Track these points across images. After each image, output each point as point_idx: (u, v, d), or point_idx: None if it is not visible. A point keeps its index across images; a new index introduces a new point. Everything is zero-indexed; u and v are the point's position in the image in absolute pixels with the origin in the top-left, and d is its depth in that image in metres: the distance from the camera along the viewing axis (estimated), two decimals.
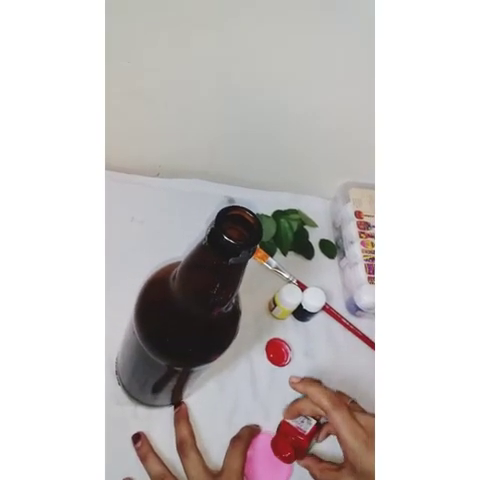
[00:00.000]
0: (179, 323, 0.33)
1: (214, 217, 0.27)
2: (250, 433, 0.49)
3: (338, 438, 0.44)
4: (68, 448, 0.24)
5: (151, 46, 0.53)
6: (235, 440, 0.48)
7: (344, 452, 0.44)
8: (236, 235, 0.26)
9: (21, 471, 0.23)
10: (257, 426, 0.51)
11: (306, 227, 0.69)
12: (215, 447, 0.49)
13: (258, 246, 0.64)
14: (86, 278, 0.26)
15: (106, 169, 0.64)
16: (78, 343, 0.25)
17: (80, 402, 0.25)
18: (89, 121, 0.26)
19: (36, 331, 0.24)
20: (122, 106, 0.60)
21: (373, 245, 0.64)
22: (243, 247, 0.26)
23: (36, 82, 0.25)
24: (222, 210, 0.27)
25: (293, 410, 0.49)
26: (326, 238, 0.70)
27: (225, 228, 0.26)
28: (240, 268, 0.29)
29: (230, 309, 0.34)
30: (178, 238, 0.51)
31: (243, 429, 0.50)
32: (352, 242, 0.64)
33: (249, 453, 0.49)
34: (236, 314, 0.36)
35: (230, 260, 0.27)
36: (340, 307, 0.64)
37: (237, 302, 0.36)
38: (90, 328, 0.26)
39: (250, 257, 0.27)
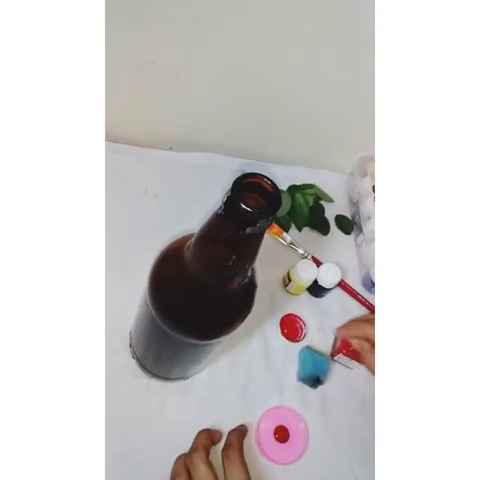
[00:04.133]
0: (194, 295, 0.32)
1: (231, 185, 0.26)
2: (239, 436, 0.47)
3: None
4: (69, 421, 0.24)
5: (166, 19, 0.52)
6: (227, 452, 0.44)
7: None
8: (254, 203, 0.25)
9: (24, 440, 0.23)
10: (243, 426, 0.49)
11: (322, 202, 0.68)
12: (227, 422, 0.49)
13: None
14: (86, 250, 0.25)
15: (119, 142, 0.64)
16: (78, 316, 0.25)
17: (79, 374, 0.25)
18: (89, 93, 0.25)
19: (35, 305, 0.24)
20: (136, 79, 0.59)
21: None
22: (261, 215, 0.25)
23: (36, 55, 0.24)
24: (239, 177, 0.26)
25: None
26: (342, 213, 0.68)
27: (242, 196, 0.25)
28: (258, 238, 0.28)
29: (246, 281, 0.33)
30: (191, 211, 0.51)
31: (230, 435, 0.47)
32: (369, 218, 0.62)
33: (262, 427, 0.50)
34: (252, 287, 0.35)
35: (247, 230, 0.26)
36: (356, 283, 0.63)
37: (253, 275, 0.35)
38: (90, 299, 0.25)
39: (269, 226, 0.26)
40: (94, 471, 0.25)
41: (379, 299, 0.28)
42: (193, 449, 0.44)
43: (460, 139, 0.27)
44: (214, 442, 0.47)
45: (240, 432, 0.48)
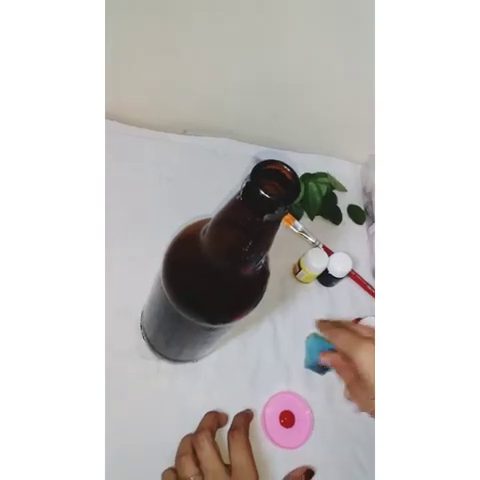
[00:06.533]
0: (208, 279, 0.33)
1: (250, 171, 0.26)
2: (245, 419, 0.48)
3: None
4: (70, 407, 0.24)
5: (183, 4, 0.51)
6: (233, 433, 0.45)
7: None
8: (272, 190, 0.25)
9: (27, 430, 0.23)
10: (249, 410, 0.50)
11: (335, 191, 0.68)
12: (235, 405, 0.49)
13: None
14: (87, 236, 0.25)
15: (134, 125, 0.64)
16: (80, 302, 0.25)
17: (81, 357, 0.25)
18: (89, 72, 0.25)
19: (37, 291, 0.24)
20: (151, 63, 0.59)
21: None
22: (280, 203, 0.25)
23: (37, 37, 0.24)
24: (259, 164, 0.26)
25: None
26: (355, 203, 0.68)
27: (261, 183, 0.25)
28: (274, 225, 0.28)
29: (260, 268, 0.33)
30: (205, 196, 0.51)
31: (236, 418, 0.48)
32: None
33: (268, 411, 0.50)
34: (265, 273, 0.35)
35: (265, 216, 0.26)
36: (366, 273, 0.63)
37: (266, 262, 0.35)
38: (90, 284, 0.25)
39: (286, 214, 0.26)
40: (94, 451, 0.25)
41: (379, 303, 0.28)
42: (199, 430, 0.46)
43: (461, 139, 0.27)
44: (220, 424, 0.47)
45: (246, 415, 0.49)
